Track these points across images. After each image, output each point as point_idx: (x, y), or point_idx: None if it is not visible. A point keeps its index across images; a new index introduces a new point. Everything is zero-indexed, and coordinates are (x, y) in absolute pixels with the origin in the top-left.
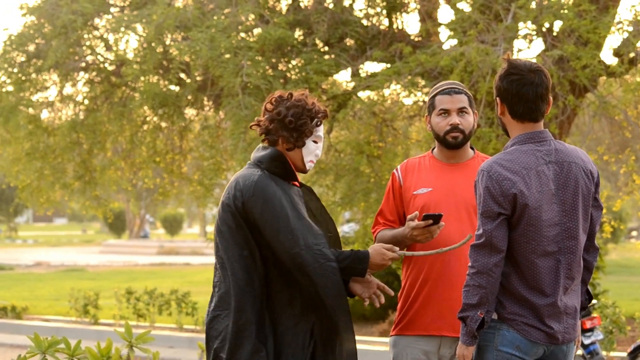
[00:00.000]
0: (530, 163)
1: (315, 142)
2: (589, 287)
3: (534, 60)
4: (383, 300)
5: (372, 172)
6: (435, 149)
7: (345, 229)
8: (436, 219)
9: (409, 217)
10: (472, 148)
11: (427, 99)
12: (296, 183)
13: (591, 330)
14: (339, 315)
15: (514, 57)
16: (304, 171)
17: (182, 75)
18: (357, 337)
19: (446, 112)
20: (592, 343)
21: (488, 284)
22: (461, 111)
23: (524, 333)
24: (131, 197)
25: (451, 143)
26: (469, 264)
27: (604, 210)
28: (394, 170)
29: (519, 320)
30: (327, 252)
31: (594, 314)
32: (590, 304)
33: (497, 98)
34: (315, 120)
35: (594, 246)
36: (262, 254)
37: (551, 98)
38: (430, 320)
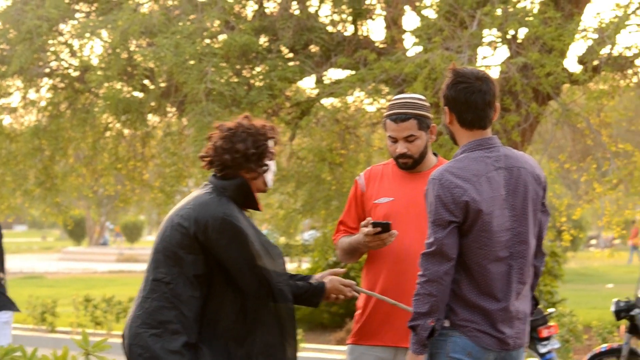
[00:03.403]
0: (480, 170)
1: (271, 159)
2: (536, 294)
3: (498, 68)
4: None
5: (333, 179)
6: None
7: (305, 237)
8: (384, 227)
9: (362, 223)
10: (435, 154)
11: None
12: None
13: (548, 338)
14: (288, 339)
15: (478, 64)
16: (266, 191)
17: (146, 82)
18: (315, 345)
19: (394, 139)
20: (549, 352)
21: (438, 292)
22: (408, 138)
23: (476, 339)
24: (92, 204)
25: (402, 167)
26: (419, 272)
27: (564, 219)
28: (357, 177)
29: (471, 326)
30: (286, 290)
31: (551, 323)
32: (548, 313)
33: (446, 107)
34: (270, 139)
35: (542, 252)
36: (211, 276)
37: (498, 105)
38: (387, 331)
